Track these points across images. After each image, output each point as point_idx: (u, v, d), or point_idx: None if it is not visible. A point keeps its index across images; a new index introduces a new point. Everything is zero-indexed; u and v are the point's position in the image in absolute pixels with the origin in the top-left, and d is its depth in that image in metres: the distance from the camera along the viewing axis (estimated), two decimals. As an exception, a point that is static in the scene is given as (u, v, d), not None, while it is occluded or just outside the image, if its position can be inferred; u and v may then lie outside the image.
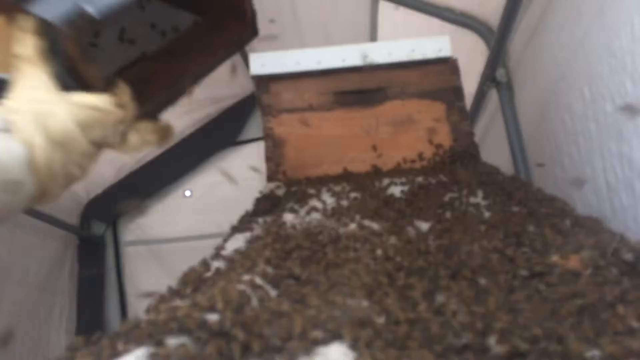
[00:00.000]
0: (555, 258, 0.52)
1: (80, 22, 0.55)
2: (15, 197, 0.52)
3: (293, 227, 0.76)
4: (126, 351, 0.35)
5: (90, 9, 0.55)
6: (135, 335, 0.36)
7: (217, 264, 0.63)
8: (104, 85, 0.60)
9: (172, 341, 0.35)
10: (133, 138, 0.62)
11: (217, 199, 2.08)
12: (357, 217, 0.78)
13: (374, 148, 1.08)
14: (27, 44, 0.56)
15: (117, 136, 0.60)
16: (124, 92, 0.61)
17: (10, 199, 0.51)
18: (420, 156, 1.06)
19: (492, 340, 0.36)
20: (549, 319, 0.40)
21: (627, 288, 0.45)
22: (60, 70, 0.58)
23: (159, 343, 0.35)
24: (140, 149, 0.64)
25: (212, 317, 0.38)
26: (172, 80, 0.73)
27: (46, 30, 0.56)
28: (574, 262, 0.50)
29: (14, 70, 0.58)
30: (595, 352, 0.35)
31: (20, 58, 0.57)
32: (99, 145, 0.60)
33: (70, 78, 0.59)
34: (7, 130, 0.52)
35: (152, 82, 0.68)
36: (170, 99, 0.70)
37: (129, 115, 0.61)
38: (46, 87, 0.56)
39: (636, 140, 0.76)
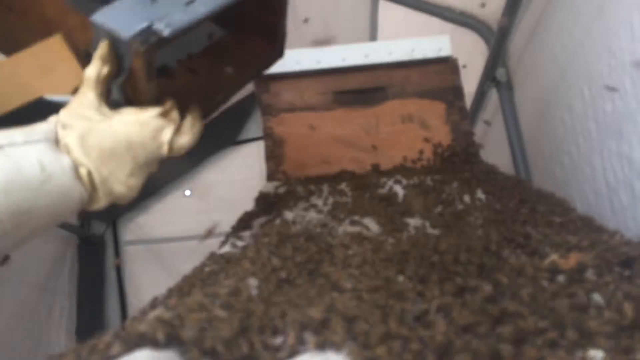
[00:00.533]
0: (554, 257, 0.52)
1: (152, 40, 0.55)
2: (64, 204, 0.55)
3: (293, 226, 0.76)
4: None
5: (163, 29, 0.55)
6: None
7: (215, 264, 0.63)
8: (155, 100, 0.62)
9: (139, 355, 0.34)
10: (180, 140, 0.63)
11: (217, 198, 2.08)
12: (357, 216, 0.78)
13: (374, 147, 1.08)
14: (91, 65, 0.59)
15: (165, 147, 0.61)
16: (172, 105, 0.63)
17: (60, 205, 0.55)
18: (420, 156, 1.06)
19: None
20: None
21: (628, 287, 0.45)
22: (118, 85, 0.60)
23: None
24: (185, 149, 0.65)
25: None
26: (206, 96, 0.73)
27: (114, 43, 0.57)
28: (573, 261, 0.50)
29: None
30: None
31: (84, 77, 0.59)
32: (147, 165, 0.61)
33: (124, 92, 0.61)
34: (57, 141, 0.56)
35: (187, 97, 0.69)
36: (203, 115, 0.70)
37: (176, 127, 0.63)
38: (95, 105, 0.59)
39: (636, 140, 0.76)
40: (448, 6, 1.45)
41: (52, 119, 0.58)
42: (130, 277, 2.20)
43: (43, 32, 0.61)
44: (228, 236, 0.80)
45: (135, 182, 0.60)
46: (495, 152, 1.33)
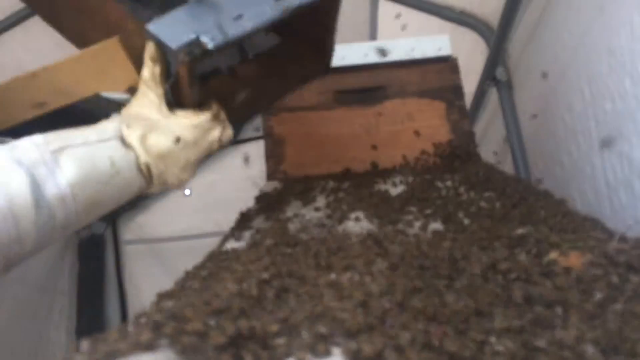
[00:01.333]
0: (554, 256, 0.52)
1: (197, 51, 0.61)
2: (127, 193, 0.64)
3: (293, 225, 0.76)
4: None
5: (208, 42, 0.61)
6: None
7: (214, 265, 0.63)
8: (197, 102, 0.68)
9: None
10: (226, 136, 0.71)
11: (217, 197, 2.08)
12: (357, 216, 0.78)
13: (374, 147, 1.08)
14: (147, 67, 0.65)
15: (216, 144, 0.70)
16: (219, 108, 0.70)
17: (124, 194, 0.64)
18: (420, 155, 1.06)
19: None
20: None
21: (629, 287, 0.45)
22: (169, 91, 0.66)
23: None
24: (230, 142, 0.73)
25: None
26: (252, 101, 0.79)
27: (164, 51, 0.63)
28: (573, 259, 0.50)
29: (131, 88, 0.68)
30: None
31: (142, 78, 0.66)
32: (198, 160, 0.69)
33: (172, 97, 0.67)
34: (121, 139, 0.63)
35: (232, 97, 0.75)
36: (246, 118, 0.75)
37: (226, 127, 0.71)
38: (157, 107, 0.65)
39: (636, 139, 0.76)
40: (448, 5, 1.45)
41: (116, 118, 0.65)
42: (130, 276, 2.20)
43: (107, 34, 0.67)
44: (228, 236, 0.80)
45: (187, 176, 0.69)
46: (494, 151, 1.33)
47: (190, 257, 0.68)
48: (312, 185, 0.95)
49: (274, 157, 1.08)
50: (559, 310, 0.42)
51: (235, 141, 2.15)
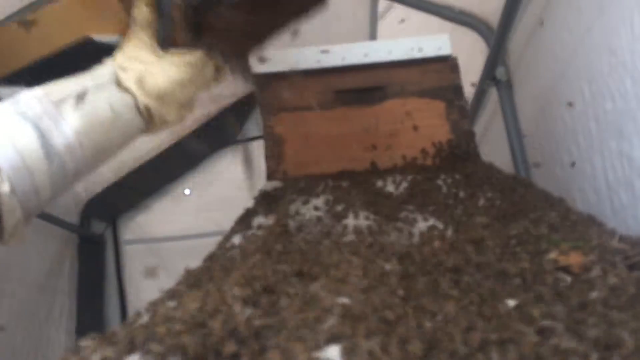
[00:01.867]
0: (554, 255, 0.52)
1: None
2: (128, 135, 0.66)
3: (293, 225, 0.76)
4: None
5: None
6: None
7: (212, 265, 0.63)
8: (193, 43, 0.68)
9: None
10: (221, 74, 0.74)
11: (216, 197, 2.08)
12: (356, 215, 0.78)
13: (374, 146, 1.08)
14: (139, 9, 0.66)
15: (211, 83, 0.72)
16: (211, 45, 0.70)
17: (126, 136, 0.66)
18: (420, 154, 1.06)
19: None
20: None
21: (630, 287, 0.45)
22: (161, 32, 0.66)
23: None
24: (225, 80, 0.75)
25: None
26: (247, 35, 0.77)
27: None
28: (573, 259, 0.50)
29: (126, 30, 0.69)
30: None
31: (133, 20, 0.67)
32: (195, 96, 0.71)
33: (168, 38, 0.67)
34: (117, 83, 0.64)
35: (228, 33, 0.73)
36: (242, 53, 0.76)
37: (219, 66, 0.72)
38: (150, 48, 0.67)
39: (636, 139, 0.75)
40: (447, 5, 1.45)
41: (110, 62, 0.66)
42: (130, 276, 2.20)
43: None
44: (227, 235, 0.80)
45: (186, 112, 0.71)
46: (494, 150, 1.33)
47: (190, 257, 0.68)
48: (311, 184, 0.95)
49: (273, 157, 1.08)
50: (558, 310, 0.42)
51: (236, 141, 2.16)
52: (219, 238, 0.81)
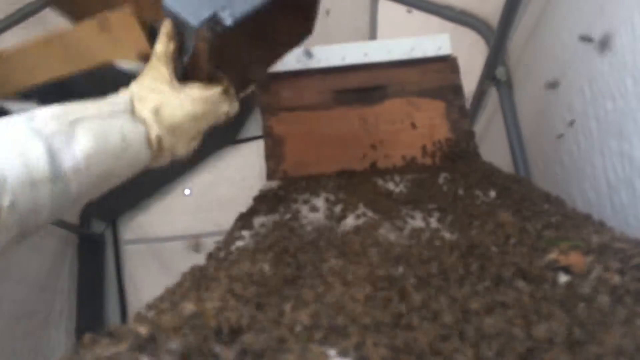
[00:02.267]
0: (554, 255, 0.52)
1: (217, 29, 0.62)
2: (135, 165, 0.65)
3: (293, 225, 0.76)
4: None
5: (227, 18, 0.62)
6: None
7: (211, 266, 0.63)
8: (210, 76, 0.70)
9: None
10: (233, 110, 0.75)
11: (216, 197, 2.08)
12: (357, 215, 0.78)
13: (374, 146, 1.08)
14: (161, 43, 0.67)
15: (223, 118, 0.73)
16: (229, 83, 0.72)
17: (132, 166, 0.65)
18: (420, 154, 1.06)
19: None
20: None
21: (630, 287, 0.45)
22: (181, 66, 0.68)
23: None
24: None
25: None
26: (245, 71, 0.80)
27: (180, 27, 0.64)
28: (574, 259, 0.50)
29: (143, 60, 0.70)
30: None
31: (154, 53, 0.68)
32: (206, 130, 0.72)
33: (185, 70, 0.68)
34: (132, 112, 0.64)
35: (229, 67, 0.74)
36: (243, 88, 0.77)
37: (233, 101, 0.74)
38: (169, 81, 0.67)
39: (637, 139, 0.75)
40: (448, 5, 1.45)
41: (127, 91, 0.66)
42: (130, 276, 2.20)
43: (108, 3, 0.69)
44: (227, 236, 0.80)
45: (195, 144, 0.72)
46: (494, 150, 1.32)
47: (190, 256, 0.68)
48: (311, 184, 0.95)
49: (273, 157, 1.08)
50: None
51: (235, 141, 2.16)
52: (218, 238, 0.81)
